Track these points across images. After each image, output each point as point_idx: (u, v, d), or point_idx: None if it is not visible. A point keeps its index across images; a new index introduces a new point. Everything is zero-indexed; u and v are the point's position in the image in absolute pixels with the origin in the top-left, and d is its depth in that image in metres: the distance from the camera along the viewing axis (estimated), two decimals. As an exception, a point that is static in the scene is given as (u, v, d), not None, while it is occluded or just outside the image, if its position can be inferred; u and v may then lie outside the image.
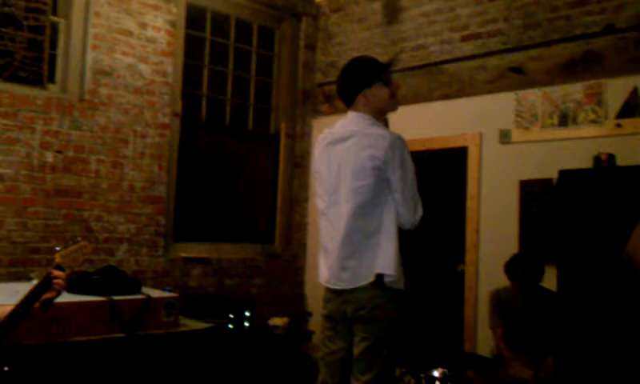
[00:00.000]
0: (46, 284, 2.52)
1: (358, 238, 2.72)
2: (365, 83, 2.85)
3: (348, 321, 2.78)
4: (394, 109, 2.92)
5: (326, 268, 2.88)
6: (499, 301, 4.02)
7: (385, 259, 2.69)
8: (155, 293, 3.87)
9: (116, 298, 3.54)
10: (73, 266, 2.66)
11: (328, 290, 2.88)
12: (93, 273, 3.78)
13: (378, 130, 2.77)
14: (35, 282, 2.63)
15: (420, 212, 2.75)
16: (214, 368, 4.04)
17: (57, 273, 2.54)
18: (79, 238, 2.74)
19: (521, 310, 3.91)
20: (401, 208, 2.71)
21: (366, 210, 2.72)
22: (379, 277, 2.68)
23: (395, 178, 2.70)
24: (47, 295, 2.54)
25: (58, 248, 2.66)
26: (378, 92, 2.84)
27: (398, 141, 2.72)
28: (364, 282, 2.70)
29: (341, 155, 2.82)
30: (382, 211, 2.71)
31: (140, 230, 5.00)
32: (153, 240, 5.07)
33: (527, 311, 3.88)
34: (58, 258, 2.59)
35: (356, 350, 2.75)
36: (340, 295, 2.79)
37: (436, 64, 5.27)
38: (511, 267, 3.90)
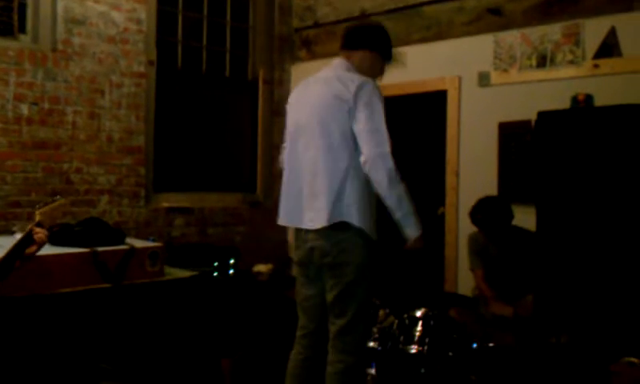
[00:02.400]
0: (28, 240, 2.58)
1: (323, 179, 2.72)
2: (374, 47, 2.95)
3: (317, 266, 2.82)
4: (372, 77, 2.94)
5: (284, 207, 2.91)
6: (477, 243, 4.10)
7: (349, 207, 2.68)
8: (139, 243, 3.87)
9: (100, 249, 3.54)
10: (51, 223, 2.73)
11: (296, 235, 2.91)
12: (75, 225, 3.77)
13: (350, 75, 2.80)
14: (18, 235, 2.67)
15: (385, 148, 2.62)
16: (200, 315, 4.09)
17: (38, 229, 2.63)
18: (58, 196, 2.83)
19: (495, 252, 3.99)
20: (361, 140, 2.66)
21: (333, 152, 2.71)
22: (343, 223, 2.69)
23: (360, 116, 2.67)
24: (29, 250, 2.62)
25: (37, 205, 2.72)
26: (376, 63, 2.95)
27: (369, 84, 2.73)
28: (326, 224, 2.69)
29: (313, 96, 2.85)
30: (350, 155, 2.70)
31: (120, 181, 4.97)
32: (134, 191, 5.05)
33: (502, 253, 3.96)
34: (38, 216, 2.65)
35: (328, 297, 2.78)
36: (306, 242, 2.81)
37: (414, 7, 5.23)
38: (473, 213, 3.95)
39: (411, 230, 2.66)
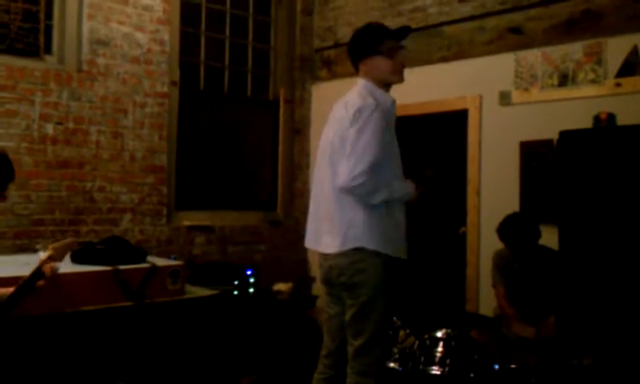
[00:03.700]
0: (38, 274, 2.66)
1: (336, 204, 2.73)
2: (365, 52, 2.85)
3: (336, 286, 2.83)
4: (396, 81, 2.89)
5: (308, 230, 2.96)
6: (501, 259, 4.07)
7: (364, 231, 2.67)
8: (161, 261, 3.89)
9: (122, 267, 3.57)
10: (61, 259, 2.82)
11: (319, 253, 2.92)
12: (97, 243, 3.81)
13: (356, 98, 2.75)
14: (41, 253, 2.72)
15: (359, 179, 2.59)
16: (220, 334, 4.09)
17: (48, 265, 2.70)
18: (69, 237, 2.98)
19: (520, 270, 3.95)
20: (341, 165, 2.66)
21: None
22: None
23: (349, 141, 2.65)
24: (39, 283, 2.70)
25: (52, 241, 2.87)
26: (378, 63, 2.83)
27: (367, 110, 2.66)
28: (340, 249, 2.71)
29: (330, 119, 2.89)
30: None
31: (143, 200, 5.01)
32: (156, 209, 5.09)
33: (526, 271, 3.92)
34: (51, 251, 2.75)
35: (346, 316, 2.79)
36: (326, 259, 2.84)
37: (434, 26, 5.24)
38: (501, 229, 3.93)
39: (405, 197, 2.78)
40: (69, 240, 2.96)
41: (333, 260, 2.77)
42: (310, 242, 2.98)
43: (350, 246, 2.69)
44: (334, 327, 2.91)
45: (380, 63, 2.83)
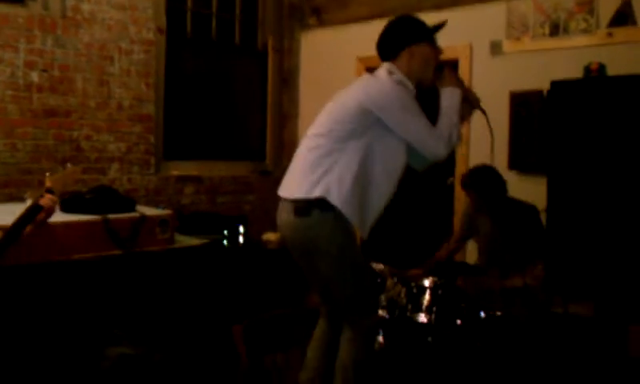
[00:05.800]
0: (37, 208, 2.59)
1: (308, 161, 2.64)
2: (413, 39, 2.75)
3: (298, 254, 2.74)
4: (428, 77, 2.81)
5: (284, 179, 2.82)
6: (465, 218, 4.13)
7: (333, 187, 2.53)
8: (150, 210, 3.90)
9: (111, 216, 3.57)
10: (62, 190, 2.74)
11: (279, 219, 2.79)
12: (86, 192, 3.79)
13: (383, 76, 2.69)
14: (29, 202, 2.67)
15: (446, 139, 2.70)
16: (210, 283, 4.12)
17: (47, 196, 2.62)
18: (69, 164, 2.83)
19: (488, 227, 3.95)
20: (419, 146, 2.68)
21: (324, 140, 2.62)
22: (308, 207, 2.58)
23: (395, 123, 2.63)
24: (38, 216, 2.61)
25: (48, 173, 2.72)
26: (425, 51, 2.76)
27: (395, 87, 2.65)
28: (296, 196, 2.61)
29: (342, 91, 2.77)
30: (335, 140, 2.60)
31: (130, 149, 4.98)
32: (144, 159, 5.07)
33: (496, 226, 3.91)
34: (48, 182, 2.65)
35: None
36: (280, 229, 2.74)
37: (426, -27, 5.15)
38: (462, 179, 3.96)
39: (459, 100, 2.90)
40: (70, 169, 2.80)
41: (284, 230, 2.68)
42: (280, 190, 2.80)
43: (310, 195, 2.55)
44: (319, 290, 2.83)
45: (427, 51, 2.78)
